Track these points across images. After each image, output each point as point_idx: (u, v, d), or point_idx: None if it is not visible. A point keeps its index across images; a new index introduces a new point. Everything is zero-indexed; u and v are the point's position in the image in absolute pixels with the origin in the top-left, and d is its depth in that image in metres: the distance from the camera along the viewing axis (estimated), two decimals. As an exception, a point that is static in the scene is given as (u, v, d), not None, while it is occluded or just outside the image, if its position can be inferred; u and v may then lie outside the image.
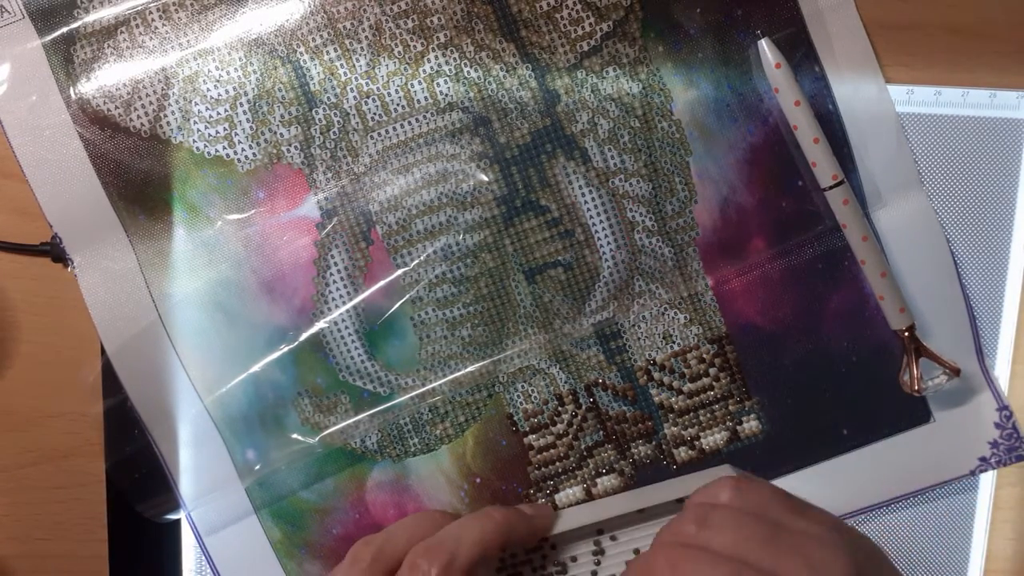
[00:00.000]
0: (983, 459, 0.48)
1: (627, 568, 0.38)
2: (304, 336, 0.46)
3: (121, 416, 0.46)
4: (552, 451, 0.48)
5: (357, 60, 0.45)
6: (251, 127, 0.45)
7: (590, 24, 0.45)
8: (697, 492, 0.39)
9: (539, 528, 0.44)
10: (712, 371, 0.47)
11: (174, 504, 0.47)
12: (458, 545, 0.40)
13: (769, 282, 0.47)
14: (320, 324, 0.46)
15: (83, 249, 0.45)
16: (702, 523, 0.36)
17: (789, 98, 0.44)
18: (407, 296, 0.46)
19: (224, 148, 0.45)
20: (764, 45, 0.44)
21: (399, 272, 0.46)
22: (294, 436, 0.46)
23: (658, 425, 0.48)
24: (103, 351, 0.46)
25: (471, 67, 0.45)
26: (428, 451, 0.47)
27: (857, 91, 0.46)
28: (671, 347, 0.47)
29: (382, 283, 0.46)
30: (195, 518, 0.47)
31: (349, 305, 0.46)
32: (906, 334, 0.46)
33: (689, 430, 0.48)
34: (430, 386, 0.47)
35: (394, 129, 0.45)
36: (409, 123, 0.45)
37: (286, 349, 0.46)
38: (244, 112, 0.45)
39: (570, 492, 0.48)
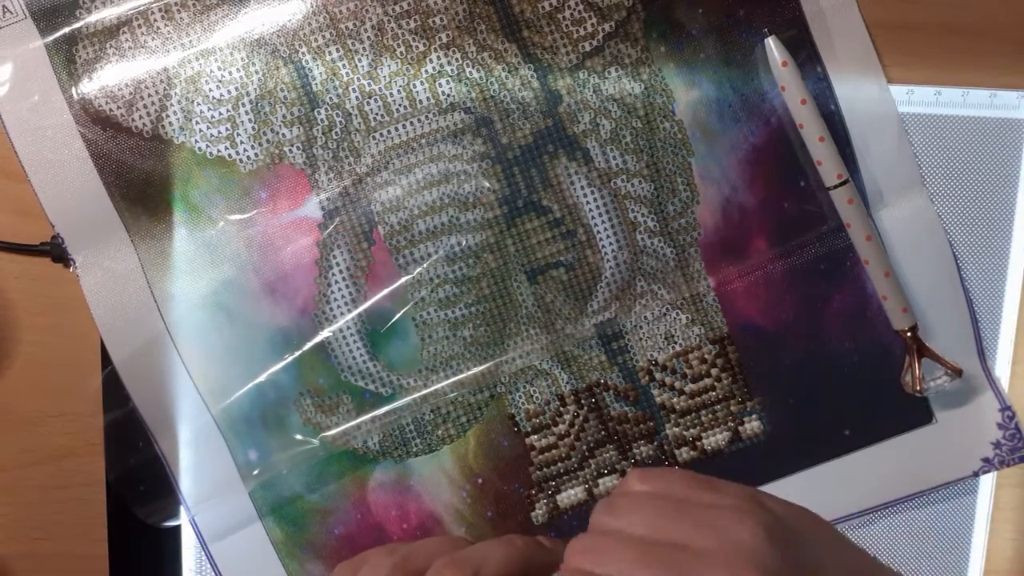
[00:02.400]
0: (986, 459, 0.48)
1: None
2: (309, 345, 0.46)
3: (124, 421, 0.46)
4: (554, 451, 0.48)
5: (359, 60, 0.45)
6: (253, 127, 0.45)
7: (592, 24, 0.45)
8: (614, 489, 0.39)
9: (557, 562, 0.45)
10: (714, 371, 0.47)
11: (176, 508, 0.46)
12: (482, 564, 0.40)
13: (771, 283, 0.47)
14: (325, 333, 0.46)
15: (85, 249, 0.45)
16: (611, 511, 0.36)
17: (795, 96, 0.44)
18: (411, 303, 0.46)
19: (226, 148, 0.45)
20: (771, 43, 0.44)
21: (404, 279, 0.46)
22: (296, 436, 0.46)
23: (660, 426, 0.48)
24: (104, 351, 0.46)
25: (473, 67, 0.45)
26: (430, 451, 0.47)
27: (859, 91, 0.46)
28: (673, 347, 0.47)
29: (386, 291, 0.46)
30: (199, 522, 0.47)
31: (353, 314, 0.46)
32: (908, 334, 0.46)
33: (691, 430, 0.48)
34: (432, 388, 0.46)
35: (396, 129, 0.45)
36: (411, 123, 0.45)
37: (291, 359, 0.46)
38: (246, 112, 0.45)
39: (572, 493, 0.48)
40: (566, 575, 0.35)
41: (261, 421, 0.46)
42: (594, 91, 0.46)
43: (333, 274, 0.46)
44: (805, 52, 0.45)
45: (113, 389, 0.46)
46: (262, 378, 0.46)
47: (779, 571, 0.32)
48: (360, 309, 0.46)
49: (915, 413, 0.48)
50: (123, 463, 0.47)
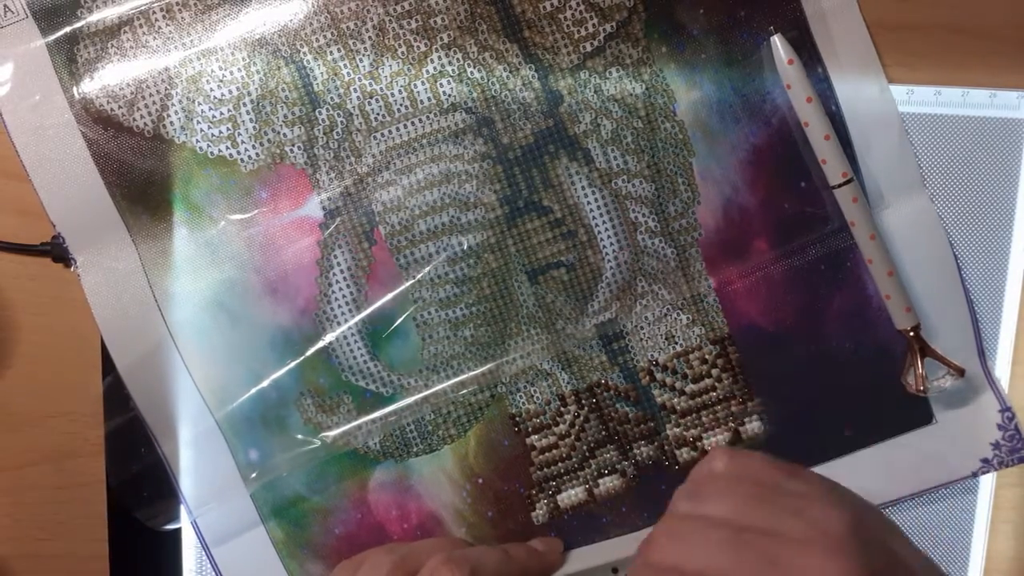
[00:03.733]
0: (985, 460, 0.48)
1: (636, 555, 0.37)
2: (312, 350, 0.46)
3: (126, 426, 0.46)
4: (554, 451, 0.48)
5: (360, 60, 0.45)
6: (254, 127, 0.45)
7: (593, 25, 0.45)
8: (693, 469, 0.39)
9: (552, 565, 0.45)
10: (715, 372, 0.47)
11: (178, 511, 0.46)
12: (479, 565, 0.41)
13: (772, 283, 0.47)
14: (329, 337, 0.46)
15: (86, 249, 0.45)
16: (696, 495, 0.36)
17: (801, 94, 0.44)
18: (411, 303, 0.46)
19: (227, 148, 0.45)
20: (777, 41, 0.45)
21: (407, 285, 0.46)
22: (297, 436, 0.46)
23: (660, 426, 0.48)
24: (104, 351, 0.46)
25: (474, 68, 0.45)
26: (431, 451, 0.47)
27: (860, 92, 0.46)
28: (673, 348, 0.47)
29: (389, 296, 0.46)
30: (200, 524, 0.47)
31: (357, 319, 0.46)
32: (911, 334, 0.46)
33: (691, 431, 0.48)
34: (433, 389, 0.46)
35: (397, 129, 0.45)
36: (412, 123, 0.46)
37: (293, 364, 0.46)
38: (247, 112, 0.45)
39: (572, 493, 0.48)
40: (644, 569, 0.34)
41: (262, 421, 0.46)
42: (595, 91, 0.46)
43: (334, 274, 0.46)
44: (806, 53, 0.46)
45: (114, 391, 0.46)
46: (265, 383, 0.46)
47: (869, 562, 0.32)
48: (364, 314, 0.46)
49: (915, 413, 0.48)
50: (125, 468, 0.47)
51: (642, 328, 0.47)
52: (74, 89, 0.44)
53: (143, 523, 0.47)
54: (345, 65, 0.45)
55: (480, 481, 0.48)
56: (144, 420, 0.46)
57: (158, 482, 0.46)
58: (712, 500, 0.35)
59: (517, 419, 0.47)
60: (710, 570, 0.33)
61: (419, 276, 0.46)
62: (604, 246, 0.46)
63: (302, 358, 0.46)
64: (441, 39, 0.45)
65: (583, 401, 0.47)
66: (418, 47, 0.45)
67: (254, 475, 0.46)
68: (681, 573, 0.34)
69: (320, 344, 0.46)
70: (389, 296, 0.46)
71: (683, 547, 0.34)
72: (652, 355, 0.47)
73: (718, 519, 0.34)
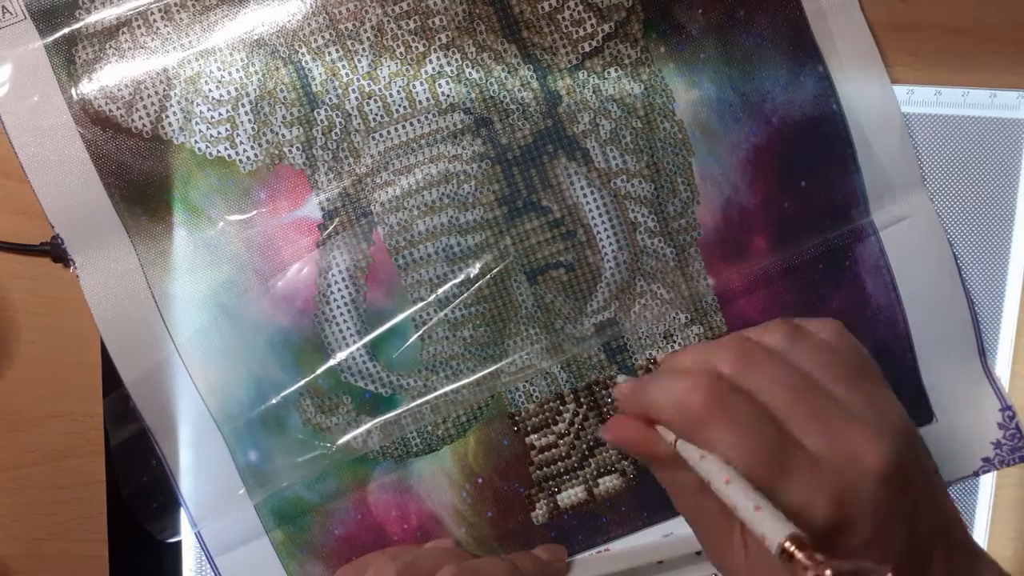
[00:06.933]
0: (986, 459, 0.48)
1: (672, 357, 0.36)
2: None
3: (136, 438, 0.46)
4: (554, 451, 0.48)
5: (359, 61, 0.45)
6: (253, 128, 0.45)
7: (592, 25, 0.45)
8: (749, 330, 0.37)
9: (558, 574, 0.46)
10: (714, 371, 0.47)
11: (177, 513, 0.47)
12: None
13: (770, 282, 0.47)
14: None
15: (85, 249, 0.45)
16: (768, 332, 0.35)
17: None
18: (410, 304, 0.46)
19: (226, 149, 0.45)
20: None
21: (405, 285, 0.46)
22: (298, 437, 0.46)
23: (660, 425, 0.48)
24: (104, 351, 0.46)
25: (473, 68, 0.45)
26: (430, 451, 0.47)
27: (861, 91, 0.46)
28: (672, 347, 0.47)
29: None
30: (204, 535, 0.47)
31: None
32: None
33: (691, 430, 0.48)
34: (432, 395, 0.46)
35: (396, 130, 0.45)
36: (411, 124, 0.45)
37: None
38: (246, 113, 0.45)
39: (572, 492, 0.48)
40: (711, 378, 0.33)
41: (261, 422, 0.46)
42: (594, 91, 0.46)
43: (333, 275, 0.46)
44: (806, 51, 0.45)
45: (122, 399, 0.46)
46: (275, 401, 0.46)
47: (906, 461, 0.32)
48: (367, 339, 0.46)
49: (916, 413, 0.48)
50: (136, 480, 0.47)
51: (641, 327, 0.47)
52: (72, 90, 0.44)
53: (154, 536, 0.47)
54: (343, 66, 0.45)
55: (480, 481, 0.48)
56: (144, 423, 0.46)
57: (168, 493, 0.46)
58: (792, 344, 0.35)
59: (516, 418, 0.47)
60: (772, 407, 0.33)
61: (418, 277, 0.46)
62: (603, 246, 0.46)
63: (312, 376, 0.46)
64: (439, 39, 0.45)
65: (582, 400, 0.47)
66: (416, 47, 0.45)
67: (256, 484, 0.46)
68: (749, 399, 0.33)
69: (331, 363, 0.46)
70: (387, 295, 0.46)
71: (754, 374, 0.33)
72: (651, 354, 0.47)
73: (791, 363, 0.34)
